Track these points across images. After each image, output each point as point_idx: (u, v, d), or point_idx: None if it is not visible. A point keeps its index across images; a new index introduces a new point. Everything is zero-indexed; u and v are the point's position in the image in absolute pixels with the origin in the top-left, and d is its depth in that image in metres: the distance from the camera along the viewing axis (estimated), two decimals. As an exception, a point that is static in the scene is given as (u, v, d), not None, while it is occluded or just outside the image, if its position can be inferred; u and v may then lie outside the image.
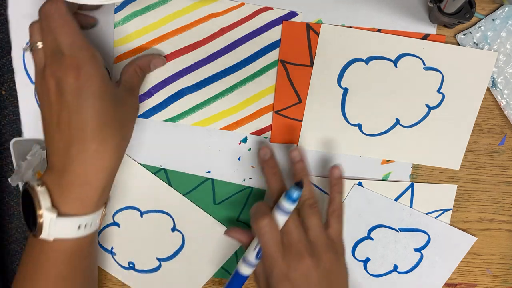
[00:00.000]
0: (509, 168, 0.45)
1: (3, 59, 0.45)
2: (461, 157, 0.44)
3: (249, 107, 0.44)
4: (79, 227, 0.36)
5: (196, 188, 0.46)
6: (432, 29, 0.42)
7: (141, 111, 0.44)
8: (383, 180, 0.45)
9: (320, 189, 0.45)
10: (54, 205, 0.36)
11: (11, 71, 0.44)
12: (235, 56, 0.43)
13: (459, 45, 0.42)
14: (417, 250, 0.47)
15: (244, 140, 0.45)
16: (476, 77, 0.42)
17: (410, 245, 0.47)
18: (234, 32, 0.42)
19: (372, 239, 0.46)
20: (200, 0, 0.42)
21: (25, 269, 0.39)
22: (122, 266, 0.48)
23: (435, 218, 0.46)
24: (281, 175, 0.42)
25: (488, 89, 0.43)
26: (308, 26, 0.42)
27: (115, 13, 0.42)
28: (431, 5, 0.39)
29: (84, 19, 0.41)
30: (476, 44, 0.42)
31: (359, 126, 0.44)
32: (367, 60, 0.42)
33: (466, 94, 0.43)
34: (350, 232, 0.46)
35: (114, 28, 0.42)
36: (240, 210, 0.46)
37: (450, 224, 0.46)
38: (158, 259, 0.48)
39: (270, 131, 0.44)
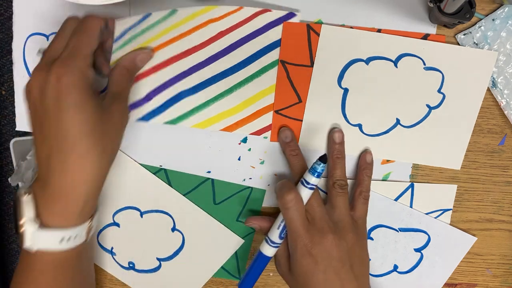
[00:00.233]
0: (509, 168, 0.45)
1: (3, 59, 0.45)
2: (462, 157, 0.44)
3: (249, 107, 0.44)
4: (62, 239, 0.35)
5: (196, 188, 0.46)
6: (432, 29, 0.42)
7: (140, 115, 0.44)
8: (383, 180, 0.45)
9: (321, 190, 0.45)
10: (39, 216, 0.35)
11: (11, 71, 0.45)
12: (234, 58, 0.43)
13: (459, 45, 0.42)
14: (417, 250, 0.47)
15: (244, 140, 0.45)
16: (476, 77, 0.42)
17: (410, 245, 0.47)
18: (232, 35, 0.42)
19: (372, 239, 0.46)
20: (198, 10, 0.41)
21: (18, 276, 0.38)
22: (122, 266, 0.48)
23: (435, 218, 0.46)
24: (302, 156, 0.43)
25: (488, 89, 0.43)
26: (308, 26, 0.42)
27: (113, 42, 0.40)
28: (431, 5, 0.39)
29: (99, 60, 0.40)
30: (476, 44, 0.42)
31: (359, 126, 0.44)
32: (367, 60, 0.42)
33: (466, 94, 0.43)
34: (350, 232, 0.46)
35: (113, 53, 0.41)
36: (240, 210, 0.46)
37: (450, 224, 0.46)
38: (158, 259, 0.48)
39: (270, 131, 0.44)
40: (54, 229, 0.35)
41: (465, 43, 0.42)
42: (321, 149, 0.44)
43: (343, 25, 0.42)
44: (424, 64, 0.42)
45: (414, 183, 0.45)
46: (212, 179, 0.46)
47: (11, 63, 0.44)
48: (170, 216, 0.47)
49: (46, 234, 0.35)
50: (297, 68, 0.43)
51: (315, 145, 0.44)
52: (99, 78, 0.39)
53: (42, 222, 0.35)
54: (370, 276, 0.47)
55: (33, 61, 0.44)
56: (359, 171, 0.44)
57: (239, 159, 0.45)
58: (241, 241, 0.47)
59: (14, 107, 0.45)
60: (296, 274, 0.39)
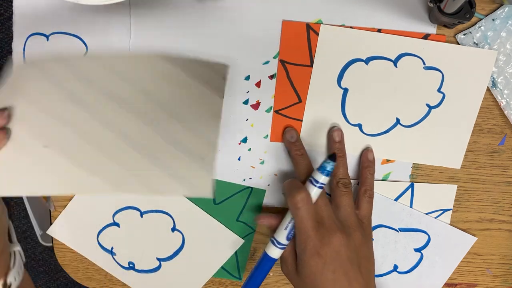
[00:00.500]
0: (509, 168, 0.45)
1: (3, 59, 0.45)
2: (462, 156, 0.44)
3: (249, 107, 0.44)
4: None
5: (196, 188, 0.46)
6: (432, 29, 0.42)
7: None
8: (383, 180, 0.45)
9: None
10: None
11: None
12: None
13: (459, 45, 0.42)
14: (417, 250, 0.47)
15: (244, 140, 0.45)
16: (476, 76, 0.42)
17: (410, 245, 0.47)
18: None
19: (372, 239, 0.46)
20: None
21: None
22: (122, 266, 0.48)
23: (435, 218, 0.46)
24: (308, 157, 0.42)
25: (488, 89, 0.43)
26: (308, 26, 0.42)
27: None
28: (431, 5, 0.39)
29: None
30: (476, 44, 0.42)
31: (359, 126, 0.44)
32: (367, 60, 0.42)
33: (466, 94, 0.43)
34: (350, 232, 0.46)
35: None
36: (240, 210, 0.46)
37: (450, 224, 0.46)
38: (158, 259, 0.48)
39: (269, 131, 0.44)
40: None
41: (465, 43, 0.42)
42: (322, 149, 0.44)
43: (343, 25, 0.42)
44: (424, 63, 0.42)
45: (414, 183, 0.45)
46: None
47: (11, 63, 0.44)
48: (170, 216, 0.47)
49: None
50: (297, 68, 0.43)
51: (315, 145, 0.44)
52: None
53: None
54: (370, 276, 0.47)
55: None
56: (361, 169, 0.44)
57: (239, 159, 0.45)
58: (241, 241, 0.47)
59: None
60: (304, 275, 0.38)
